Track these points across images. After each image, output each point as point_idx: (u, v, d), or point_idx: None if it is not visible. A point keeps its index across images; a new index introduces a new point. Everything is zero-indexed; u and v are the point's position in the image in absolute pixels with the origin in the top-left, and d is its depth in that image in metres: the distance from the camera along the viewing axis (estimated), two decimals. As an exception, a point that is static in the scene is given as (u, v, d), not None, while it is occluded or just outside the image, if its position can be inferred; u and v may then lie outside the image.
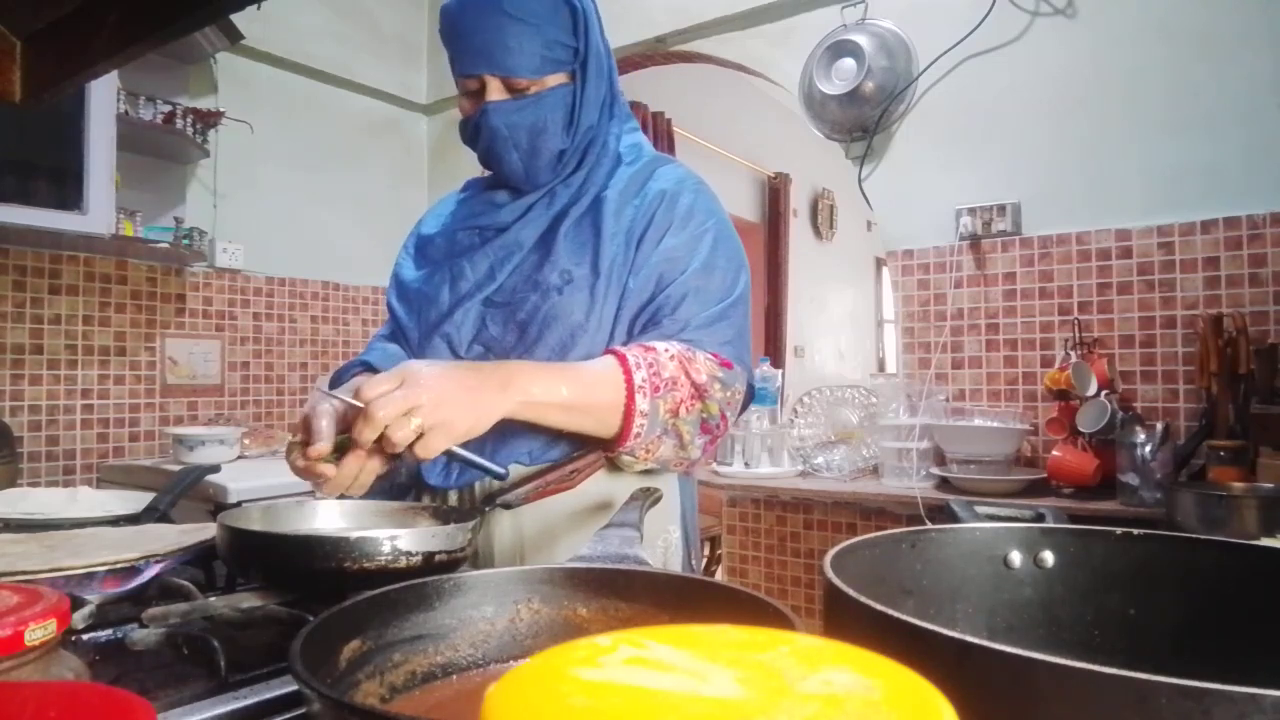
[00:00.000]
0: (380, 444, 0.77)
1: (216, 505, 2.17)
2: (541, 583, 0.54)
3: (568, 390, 0.88)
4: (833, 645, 0.30)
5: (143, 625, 0.61)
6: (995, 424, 2.21)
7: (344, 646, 0.46)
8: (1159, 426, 1.92)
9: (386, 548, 0.68)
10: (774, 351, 5.29)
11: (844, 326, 6.39)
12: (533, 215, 1.03)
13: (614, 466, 0.99)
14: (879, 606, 0.38)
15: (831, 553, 0.48)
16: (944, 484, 2.22)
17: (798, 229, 5.82)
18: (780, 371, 2.91)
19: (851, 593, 0.41)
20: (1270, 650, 0.47)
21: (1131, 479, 1.91)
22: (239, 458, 2.61)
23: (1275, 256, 1.96)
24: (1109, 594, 0.55)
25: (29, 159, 2.30)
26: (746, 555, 2.68)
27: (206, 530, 0.85)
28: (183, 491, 1.12)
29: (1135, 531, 0.55)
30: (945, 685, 0.26)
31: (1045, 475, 2.12)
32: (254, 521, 0.80)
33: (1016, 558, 0.57)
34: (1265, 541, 0.84)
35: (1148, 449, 1.89)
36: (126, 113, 2.53)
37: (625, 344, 0.96)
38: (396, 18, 3.60)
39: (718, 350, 0.97)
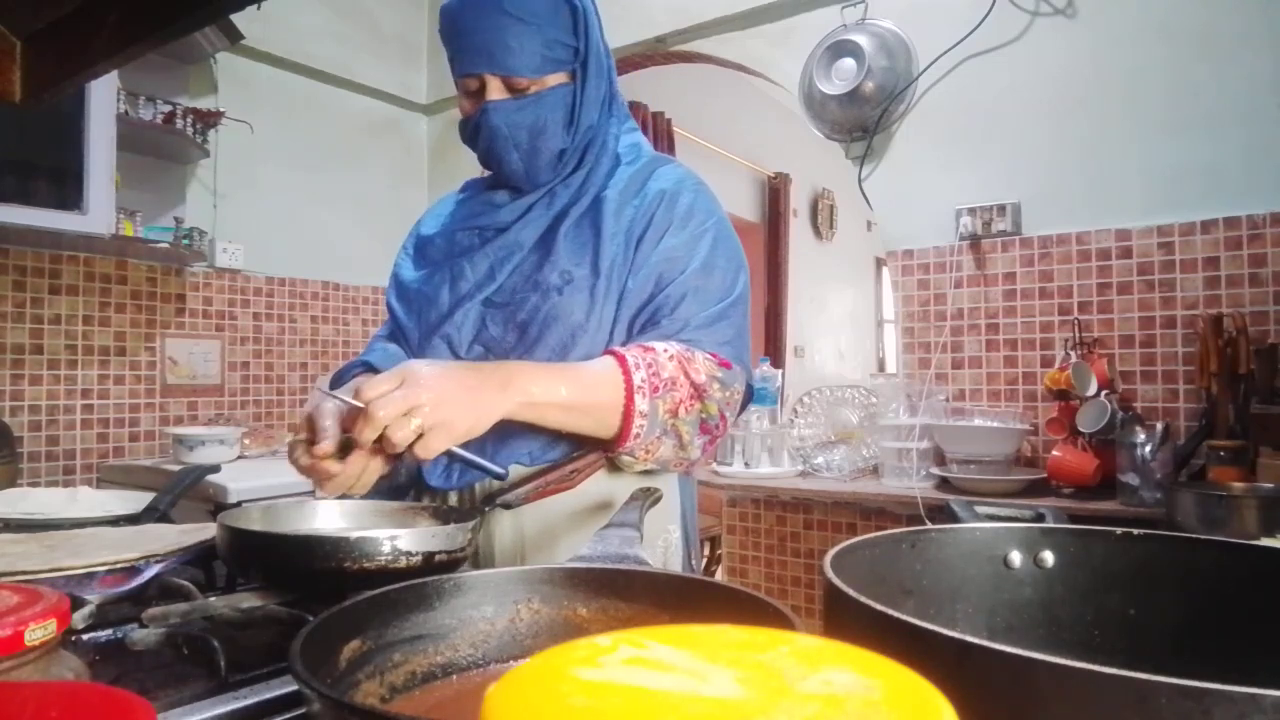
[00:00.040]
0: (380, 444, 0.77)
1: (216, 505, 2.17)
2: (541, 583, 0.54)
3: (567, 390, 0.88)
4: (833, 645, 0.30)
5: (143, 625, 0.61)
6: (995, 424, 2.21)
7: (344, 646, 0.46)
8: (1159, 426, 1.92)
9: (386, 548, 0.68)
10: (774, 351, 5.29)
11: (844, 326, 6.39)
12: (532, 215, 1.03)
13: (614, 466, 0.99)
14: (879, 606, 0.38)
15: (831, 553, 0.48)
16: (944, 484, 2.22)
17: (798, 229, 5.81)
18: (780, 371, 2.91)
19: (851, 593, 0.41)
20: (1270, 650, 0.47)
21: (1131, 479, 1.91)
22: (239, 458, 2.61)
23: (1275, 256, 1.96)
24: (1109, 594, 0.55)
25: (29, 159, 2.30)
26: (746, 555, 2.68)
27: (206, 530, 0.85)
28: (183, 491, 1.12)
29: (1135, 531, 0.55)
30: (945, 685, 0.26)
31: (1045, 475, 2.12)
32: (254, 521, 0.80)
33: (1016, 558, 0.57)
34: (1265, 541, 0.84)
35: (1148, 449, 1.90)
36: (126, 113, 2.53)
37: (625, 344, 0.96)
38: (396, 18, 3.60)
39: (717, 350, 0.97)
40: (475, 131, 1.01)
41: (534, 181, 1.03)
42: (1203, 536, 0.55)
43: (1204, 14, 2.04)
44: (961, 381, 2.39)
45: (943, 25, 2.36)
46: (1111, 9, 2.16)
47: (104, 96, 2.34)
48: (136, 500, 1.11)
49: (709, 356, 0.95)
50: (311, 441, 0.80)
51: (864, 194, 2.56)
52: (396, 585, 0.50)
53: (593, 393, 0.89)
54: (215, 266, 3.03)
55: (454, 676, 0.51)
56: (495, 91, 0.97)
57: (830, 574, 0.44)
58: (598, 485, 0.98)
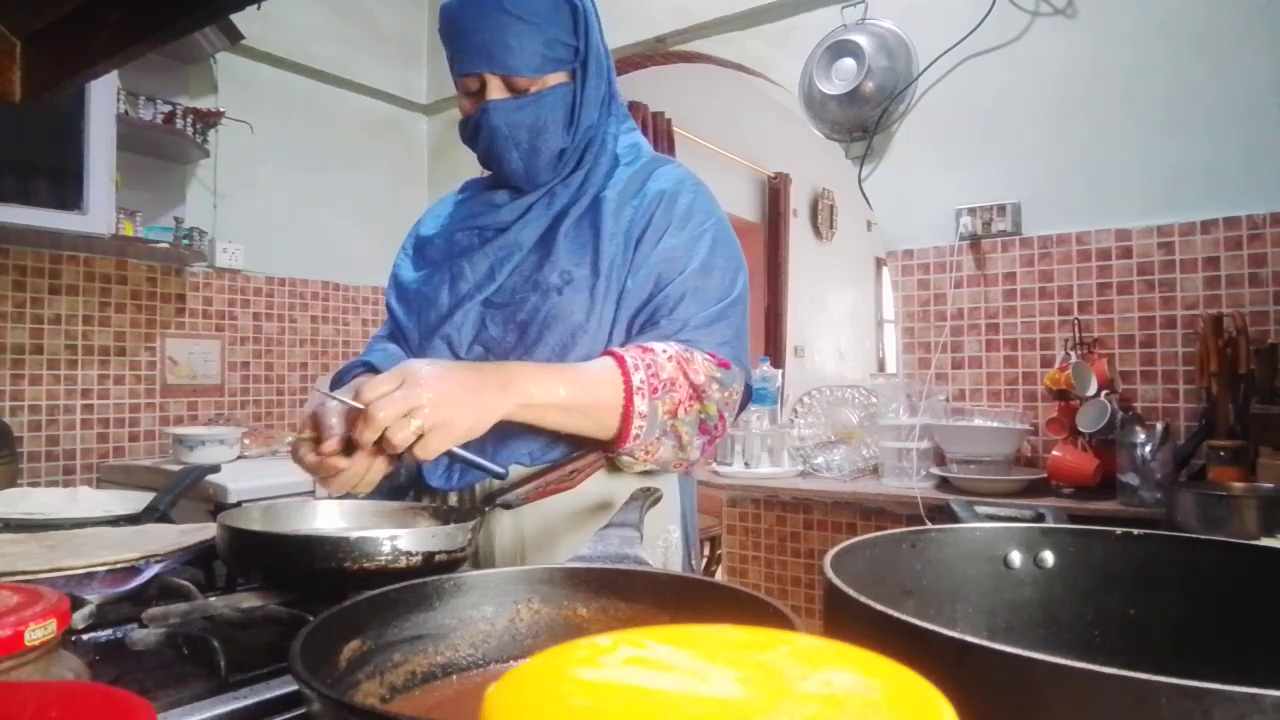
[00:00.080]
0: (380, 445, 0.77)
1: (216, 505, 2.17)
2: (541, 583, 0.54)
3: (566, 391, 0.88)
4: (833, 645, 0.30)
5: (143, 625, 0.61)
6: (995, 424, 2.21)
7: (344, 646, 0.46)
8: (1159, 426, 1.92)
9: (386, 548, 0.68)
10: (774, 351, 5.29)
11: (844, 326, 6.39)
12: (532, 215, 1.03)
13: (614, 466, 0.99)
14: (879, 606, 0.38)
15: (831, 553, 0.48)
16: (944, 484, 2.22)
17: (798, 229, 5.81)
18: (780, 371, 2.91)
19: (851, 593, 0.41)
20: (1270, 650, 0.47)
21: (1131, 479, 1.91)
22: (239, 458, 2.61)
23: (1275, 256, 1.96)
24: (1109, 594, 0.55)
25: (29, 159, 2.30)
26: (746, 555, 2.68)
27: (206, 530, 0.86)
28: (183, 491, 1.12)
29: (1135, 531, 0.55)
30: (945, 685, 0.26)
31: (1045, 475, 2.12)
32: (254, 521, 0.80)
33: (1016, 558, 0.57)
34: (1265, 541, 0.84)
35: (1148, 449, 1.90)
36: (126, 113, 2.53)
37: (624, 344, 0.96)
38: (396, 18, 3.60)
39: (716, 350, 0.97)
40: (475, 131, 1.00)
41: (534, 181, 1.03)
42: (1203, 536, 0.55)
43: (1204, 14, 2.04)
44: (961, 381, 2.39)
45: (943, 25, 2.36)
46: (1111, 9, 2.16)
47: (104, 96, 2.35)
48: (136, 500, 1.11)
49: (708, 357, 0.95)
50: (317, 440, 0.80)
51: (864, 194, 2.56)
52: (396, 585, 0.50)
53: (592, 393, 0.89)
54: (215, 266, 3.03)
55: (454, 676, 0.51)
56: (495, 91, 0.97)
57: (830, 574, 0.44)
58: (598, 485, 0.98)
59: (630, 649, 0.28)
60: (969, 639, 0.34)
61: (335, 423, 0.80)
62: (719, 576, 3.20)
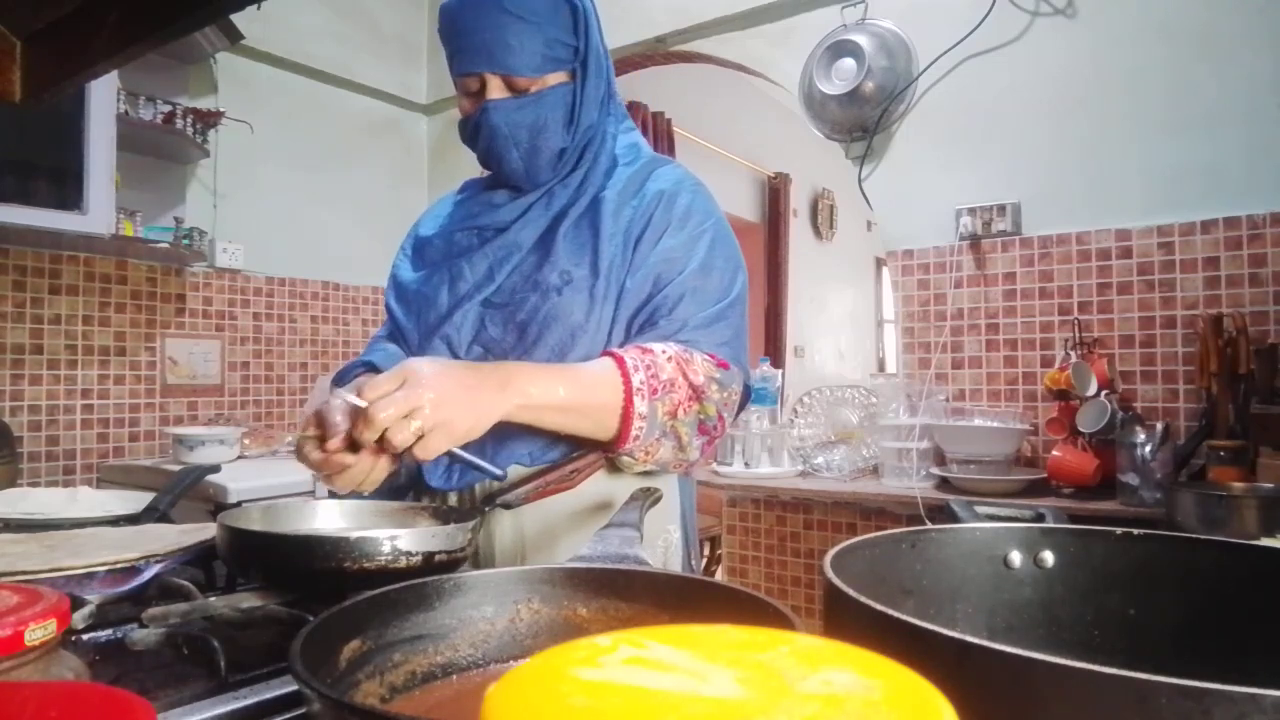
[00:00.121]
0: (380, 444, 0.77)
1: (216, 505, 2.17)
2: (541, 583, 0.54)
3: (565, 391, 0.88)
4: (833, 645, 0.30)
5: (143, 625, 0.61)
6: (995, 424, 2.21)
7: (344, 646, 0.46)
8: (1159, 426, 1.92)
9: (386, 548, 0.68)
10: (774, 351, 5.29)
11: (844, 326, 6.39)
12: (531, 215, 1.03)
13: (614, 467, 0.99)
14: (879, 606, 0.38)
15: (831, 553, 0.48)
16: (944, 484, 2.22)
17: (798, 229, 5.81)
18: (780, 371, 2.91)
19: (851, 593, 0.41)
20: (1270, 650, 0.47)
21: (1131, 479, 1.91)
22: (239, 458, 2.61)
23: (1275, 256, 1.96)
24: (1109, 594, 0.55)
25: (29, 159, 2.30)
26: (746, 555, 2.68)
27: (206, 530, 0.86)
28: (183, 491, 1.12)
29: (1135, 531, 0.55)
30: (945, 685, 0.26)
31: (1045, 475, 2.12)
32: (254, 521, 0.80)
33: (1016, 558, 0.57)
34: (1265, 541, 0.84)
35: (1148, 449, 1.89)
36: (126, 113, 2.53)
37: (623, 344, 0.96)
38: (396, 18, 3.60)
39: (715, 351, 0.97)
40: (475, 131, 1.00)
41: (534, 181, 1.03)
42: (1203, 536, 0.54)
43: (1204, 14, 2.04)
44: (961, 381, 2.39)
45: (943, 25, 2.36)
46: (1111, 9, 2.16)
47: (104, 96, 2.34)
48: (136, 500, 1.11)
49: (707, 357, 0.95)
50: (321, 438, 0.80)
51: (864, 194, 2.56)
52: (396, 585, 0.50)
53: (591, 394, 0.89)
54: (215, 266, 3.03)
55: (454, 676, 0.51)
56: (495, 90, 0.97)
57: (830, 574, 0.44)
58: (597, 485, 0.98)
59: (630, 649, 0.28)
60: (969, 639, 0.34)
61: (340, 420, 0.80)
62: (719, 576, 3.20)
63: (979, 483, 2.11)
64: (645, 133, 4.08)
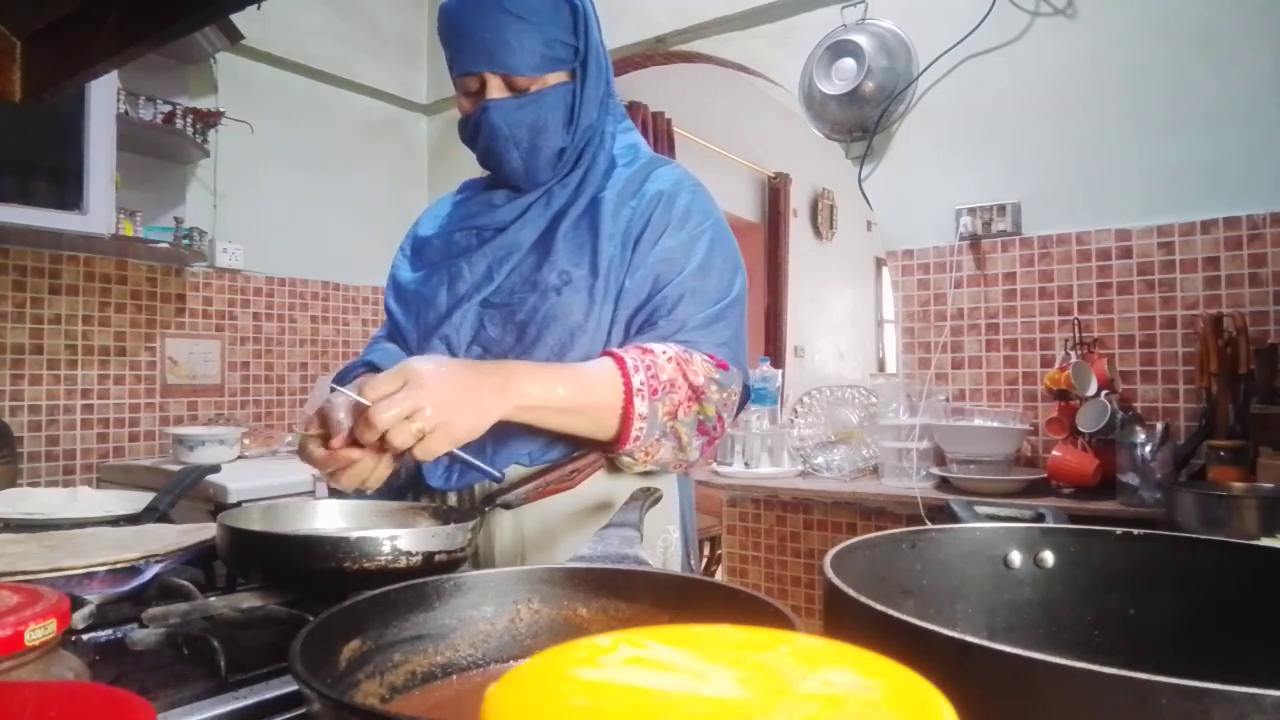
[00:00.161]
0: (381, 445, 0.77)
1: (216, 505, 2.17)
2: (541, 583, 0.54)
3: (564, 391, 0.88)
4: (833, 645, 0.30)
5: (143, 625, 0.61)
6: (995, 424, 2.21)
7: (344, 646, 0.46)
8: (1159, 426, 1.92)
9: (386, 548, 0.68)
10: (774, 351, 5.29)
11: (844, 326, 6.39)
12: (531, 215, 1.03)
13: (614, 467, 0.99)
14: (879, 606, 0.38)
15: (831, 553, 0.48)
16: (944, 484, 2.22)
17: (798, 229, 5.81)
18: (780, 371, 2.91)
19: (851, 593, 0.41)
20: (1270, 650, 0.47)
21: (1131, 479, 1.91)
22: (239, 458, 2.61)
23: (1275, 256, 1.96)
24: (1109, 594, 0.55)
25: (29, 159, 2.30)
26: (746, 555, 2.68)
27: (206, 530, 0.85)
28: (183, 491, 1.12)
29: (1135, 531, 0.55)
30: (945, 685, 0.26)
31: (1045, 475, 2.12)
32: (254, 521, 0.80)
33: (1016, 558, 0.57)
34: (1265, 541, 0.84)
35: (1148, 449, 1.89)
36: (126, 113, 2.53)
37: (622, 345, 0.96)
38: (396, 18, 3.60)
39: (714, 351, 0.97)
40: (475, 130, 1.00)
41: (534, 180, 1.03)
42: (1203, 536, 0.54)
43: (1204, 14, 2.04)
44: (961, 381, 2.39)
45: (943, 25, 2.36)
46: (1111, 9, 2.16)
47: (104, 96, 2.34)
48: (136, 500, 1.11)
49: (706, 358, 0.95)
50: (324, 436, 0.80)
51: (864, 194, 2.56)
52: (396, 585, 0.50)
53: (591, 395, 0.89)
54: (215, 266, 3.03)
55: (454, 676, 0.51)
56: (495, 90, 0.97)
57: (830, 574, 0.44)
58: (597, 485, 0.98)
59: (630, 649, 0.28)
60: (969, 639, 0.34)
61: (343, 418, 0.80)
62: (719, 576, 3.20)
63: (979, 483, 2.11)
64: (645, 133, 4.08)
